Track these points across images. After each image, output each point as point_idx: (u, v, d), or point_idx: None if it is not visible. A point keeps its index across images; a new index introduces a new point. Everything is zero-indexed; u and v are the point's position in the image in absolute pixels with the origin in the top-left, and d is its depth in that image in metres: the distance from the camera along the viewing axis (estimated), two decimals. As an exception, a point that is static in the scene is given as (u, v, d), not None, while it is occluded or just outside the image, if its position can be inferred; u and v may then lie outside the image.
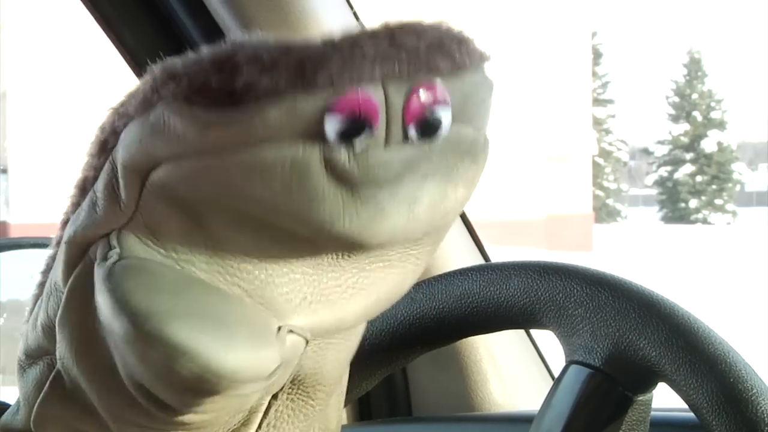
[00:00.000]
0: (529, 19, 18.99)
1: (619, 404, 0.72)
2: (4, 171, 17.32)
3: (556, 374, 0.76)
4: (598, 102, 32.88)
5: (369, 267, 0.51)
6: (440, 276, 0.83)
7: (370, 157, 0.45)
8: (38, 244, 1.20)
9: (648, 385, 0.72)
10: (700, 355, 0.68)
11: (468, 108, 0.49)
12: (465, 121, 0.49)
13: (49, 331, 0.54)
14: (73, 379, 0.52)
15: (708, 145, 34.32)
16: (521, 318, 0.79)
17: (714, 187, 34.08)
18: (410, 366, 1.15)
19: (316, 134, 0.44)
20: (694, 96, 35.06)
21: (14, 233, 15.78)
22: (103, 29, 1.07)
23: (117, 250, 0.48)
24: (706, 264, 15.76)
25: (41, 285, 0.56)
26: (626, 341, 0.71)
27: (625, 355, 0.71)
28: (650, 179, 36.73)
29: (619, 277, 0.75)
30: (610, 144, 34.07)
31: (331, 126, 0.44)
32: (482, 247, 1.16)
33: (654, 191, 36.90)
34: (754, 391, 0.67)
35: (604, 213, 32.90)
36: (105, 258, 0.48)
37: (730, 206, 34.07)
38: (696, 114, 34.74)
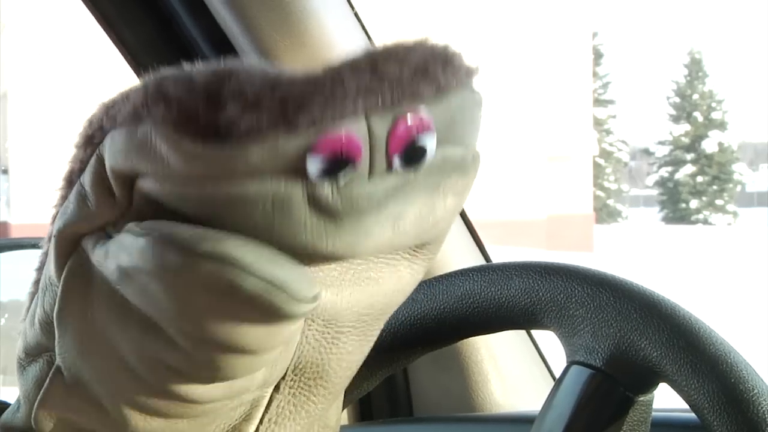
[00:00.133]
0: (530, 19, 18.99)
1: (620, 405, 0.72)
2: (5, 171, 17.33)
3: (557, 375, 0.76)
4: (598, 102, 32.89)
5: (365, 268, 0.51)
6: (441, 276, 0.83)
7: (354, 190, 0.45)
8: (39, 244, 1.20)
9: (649, 385, 0.72)
10: (701, 356, 0.68)
11: (455, 129, 0.49)
12: (452, 141, 0.49)
13: (46, 327, 0.54)
14: (75, 373, 0.52)
15: (709, 145, 34.33)
16: (522, 318, 0.78)
17: (715, 187, 34.09)
18: (411, 366, 1.15)
19: (299, 171, 0.45)
20: (695, 96, 35.07)
21: (15, 234, 15.78)
22: (104, 29, 1.07)
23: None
24: (707, 265, 15.76)
25: (36, 282, 0.56)
26: (627, 342, 0.71)
27: (627, 356, 0.71)
28: (651, 180, 36.74)
29: (620, 278, 0.75)
30: (610, 144, 34.08)
31: (314, 165, 0.44)
32: (483, 247, 1.16)
33: (655, 192, 36.91)
34: (755, 391, 0.67)
35: (604, 213, 32.91)
36: (107, 240, 0.49)
37: (730, 207, 34.08)
38: (697, 114, 34.75)
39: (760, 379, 0.68)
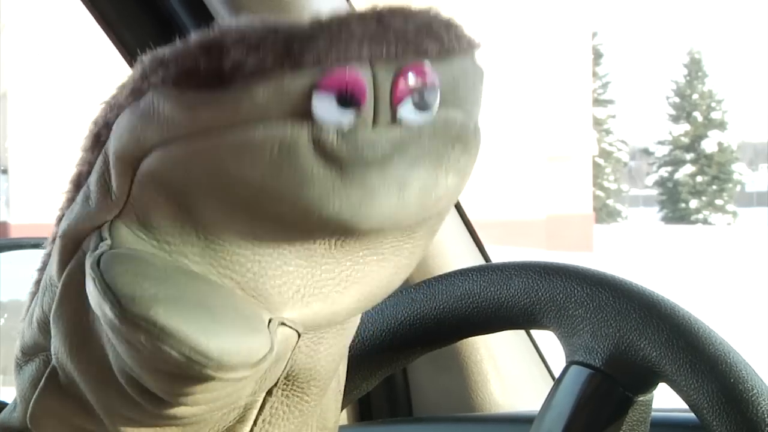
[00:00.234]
0: (530, 19, 18.99)
1: (619, 405, 0.72)
2: (5, 171, 17.32)
3: (557, 375, 0.77)
4: (598, 102, 32.89)
5: (362, 260, 0.51)
6: (441, 276, 0.83)
7: (359, 137, 0.45)
8: (39, 244, 1.20)
9: (648, 385, 0.72)
10: (700, 356, 0.68)
11: (457, 92, 0.48)
12: (454, 104, 0.48)
13: (44, 326, 0.54)
14: (68, 374, 0.52)
15: (708, 145, 34.33)
16: (522, 318, 0.79)
17: (714, 187, 34.09)
18: (411, 366, 1.15)
19: (304, 113, 0.44)
20: (695, 96, 35.07)
21: (15, 234, 15.78)
22: (104, 29, 1.07)
23: (108, 241, 0.48)
24: (707, 264, 15.76)
25: (38, 282, 0.56)
26: (627, 342, 0.71)
27: (626, 356, 0.71)
28: (650, 180, 36.73)
29: (620, 278, 0.75)
30: (610, 144, 34.07)
31: (319, 104, 0.44)
32: (483, 247, 1.16)
33: (654, 192, 36.90)
34: (755, 391, 0.67)
35: (604, 213, 32.91)
36: (96, 249, 0.48)
37: (730, 207, 34.08)
38: (696, 114, 34.75)
39: (760, 379, 0.68)
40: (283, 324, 0.49)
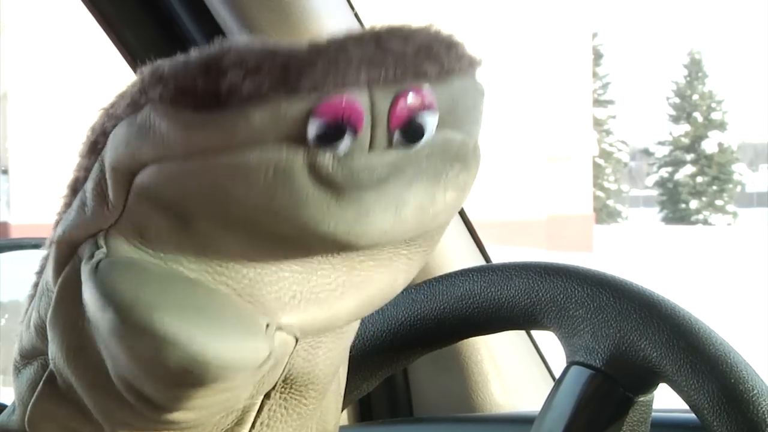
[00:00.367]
0: (530, 19, 18.99)
1: (620, 405, 0.72)
2: (5, 172, 17.32)
3: (557, 375, 0.76)
4: (598, 103, 32.88)
5: (359, 266, 0.51)
6: (441, 277, 0.83)
7: (354, 161, 0.45)
8: (39, 244, 1.19)
9: (649, 385, 0.72)
10: (701, 356, 0.68)
11: (457, 113, 0.48)
12: (453, 125, 0.48)
13: (41, 331, 0.54)
14: (66, 378, 0.52)
15: (708, 146, 34.32)
16: (522, 319, 0.79)
17: (714, 188, 34.08)
18: (411, 367, 1.15)
19: (300, 138, 0.44)
20: (695, 97, 35.06)
21: (15, 234, 15.78)
22: (104, 30, 1.07)
23: (103, 249, 0.48)
24: (707, 265, 15.75)
25: (36, 285, 0.56)
26: (627, 342, 0.71)
27: (626, 356, 0.71)
28: (651, 180, 36.72)
29: (620, 278, 0.75)
30: (610, 145, 34.07)
31: (315, 130, 0.44)
32: (483, 247, 1.16)
33: (654, 192, 36.89)
34: (755, 391, 0.67)
35: (604, 214, 32.91)
36: (92, 257, 0.48)
37: (730, 207, 34.07)
38: (696, 115, 34.75)
39: (760, 379, 0.68)
40: (280, 329, 0.49)
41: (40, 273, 0.56)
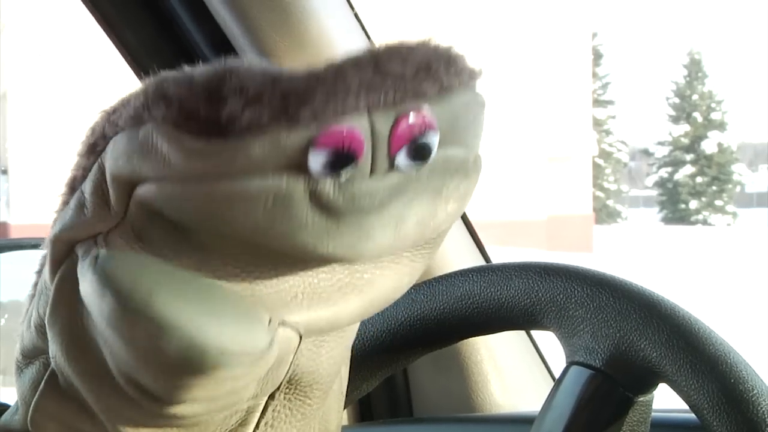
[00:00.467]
0: (530, 19, 18.99)
1: (620, 405, 0.72)
2: (5, 172, 17.32)
3: (557, 375, 0.77)
4: (598, 103, 32.88)
5: (362, 269, 0.51)
6: (441, 277, 0.83)
7: (355, 187, 0.45)
8: (39, 244, 1.19)
9: (649, 385, 0.72)
10: (700, 356, 0.68)
11: (457, 129, 0.48)
12: (454, 142, 0.49)
13: (42, 330, 0.54)
14: (67, 376, 0.52)
15: (708, 146, 34.32)
16: (522, 319, 0.79)
17: (714, 188, 34.08)
18: (411, 367, 1.15)
19: (301, 166, 0.44)
20: (695, 97, 35.07)
21: (15, 234, 15.78)
22: (104, 30, 1.07)
23: (103, 250, 0.48)
24: (707, 265, 15.75)
25: (36, 285, 0.56)
26: (627, 342, 0.71)
27: (626, 356, 0.71)
28: (650, 180, 36.72)
29: (620, 278, 0.75)
30: (610, 145, 34.07)
31: (315, 160, 0.44)
32: (483, 248, 1.16)
33: (654, 192, 36.89)
34: (755, 391, 0.67)
35: (604, 214, 32.91)
36: (88, 253, 0.49)
37: (730, 207, 34.08)
38: (696, 115, 34.75)
39: (760, 379, 0.68)
40: (284, 325, 0.49)
41: (39, 272, 0.56)
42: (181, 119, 0.45)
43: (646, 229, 29.35)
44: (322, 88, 0.44)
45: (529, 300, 0.77)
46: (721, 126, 34.76)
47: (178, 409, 0.49)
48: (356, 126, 0.44)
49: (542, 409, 0.76)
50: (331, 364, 0.56)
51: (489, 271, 0.81)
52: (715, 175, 34.08)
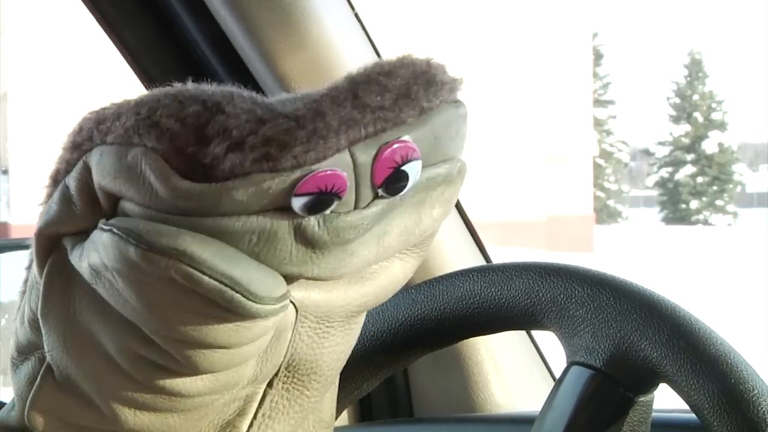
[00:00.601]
0: (530, 19, 18.99)
1: (620, 405, 0.72)
2: (6, 172, 17.32)
3: (557, 375, 0.76)
4: (599, 103, 32.88)
5: None
6: (441, 277, 0.83)
7: (340, 221, 0.46)
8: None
9: (649, 386, 0.72)
10: (701, 356, 0.68)
11: (439, 147, 0.49)
12: (438, 161, 0.49)
13: (35, 324, 0.54)
14: (63, 369, 0.53)
15: (709, 146, 34.32)
16: (522, 319, 0.78)
17: (715, 188, 34.08)
18: (411, 367, 1.15)
19: (285, 207, 0.45)
20: (695, 97, 35.06)
21: (15, 234, 15.78)
22: (105, 30, 1.07)
23: (115, 221, 0.49)
24: (707, 265, 15.75)
25: (26, 281, 0.56)
26: (627, 342, 0.71)
27: (627, 356, 0.71)
28: (651, 180, 36.71)
29: (621, 278, 0.75)
30: (611, 145, 34.06)
31: (299, 202, 0.45)
32: (483, 247, 1.16)
33: (655, 192, 36.88)
34: (756, 391, 0.67)
35: (604, 214, 32.91)
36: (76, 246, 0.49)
37: (731, 207, 34.07)
38: (697, 115, 34.74)
39: (760, 379, 0.68)
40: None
41: (28, 268, 0.56)
42: (170, 153, 0.46)
43: (646, 229, 29.35)
44: (302, 131, 0.44)
45: (529, 300, 0.77)
46: (721, 126, 34.76)
47: (182, 385, 0.50)
48: (338, 166, 0.45)
49: (542, 409, 0.76)
50: (333, 359, 0.56)
51: (489, 271, 0.81)
52: (716, 175, 34.08)
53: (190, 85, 0.47)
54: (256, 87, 1.01)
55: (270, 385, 0.55)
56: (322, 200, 0.45)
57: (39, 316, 0.53)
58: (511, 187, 18.63)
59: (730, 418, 0.66)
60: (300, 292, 0.51)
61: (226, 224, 0.45)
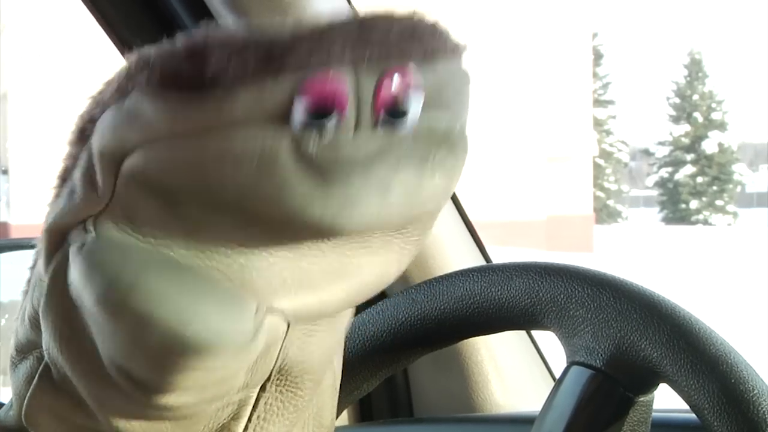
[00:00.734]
0: (530, 19, 18.99)
1: (620, 405, 0.72)
2: (5, 172, 17.33)
3: (557, 375, 0.76)
4: (598, 103, 32.89)
5: (350, 252, 0.50)
6: (441, 277, 0.83)
7: (339, 143, 0.45)
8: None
9: (649, 385, 0.72)
10: (701, 356, 0.68)
11: (442, 95, 0.48)
12: (439, 108, 0.48)
13: (36, 323, 0.54)
14: (60, 368, 0.52)
15: (709, 146, 34.33)
16: (522, 319, 0.79)
17: (715, 188, 34.09)
18: (411, 367, 1.15)
19: (286, 120, 0.44)
20: (695, 97, 35.07)
21: (15, 234, 15.78)
22: (104, 30, 1.07)
23: (92, 234, 0.48)
24: (707, 265, 15.75)
25: (29, 281, 0.56)
26: (627, 342, 0.71)
27: (627, 356, 0.71)
28: (651, 180, 36.72)
29: (621, 278, 0.75)
30: (610, 145, 34.08)
31: (300, 110, 0.44)
32: (483, 247, 1.16)
33: (655, 192, 36.89)
34: (756, 391, 0.67)
35: (604, 214, 32.92)
36: (81, 241, 0.49)
37: (730, 207, 34.08)
38: (697, 115, 34.75)
39: (761, 379, 0.68)
40: (271, 313, 0.49)
41: (33, 268, 0.56)
42: (164, 79, 0.45)
43: (646, 229, 29.36)
44: (308, 39, 0.44)
45: (529, 300, 0.77)
46: (721, 126, 34.77)
47: (168, 400, 0.49)
48: (341, 78, 0.44)
49: (543, 409, 0.76)
50: (322, 354, 0.56)
51: (489, 271, 0.81)
52: (716, 175, 34.09)
53: None
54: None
55: (263, 388, 0.55)
56: (323, 111, 0.44)
57: (40, 313, 0.53)
58: (511, 187, 18.64)
59: (730, 418, 0.66)
60: (292, 301, 0.50)
61: (228, 141, 0.44)
